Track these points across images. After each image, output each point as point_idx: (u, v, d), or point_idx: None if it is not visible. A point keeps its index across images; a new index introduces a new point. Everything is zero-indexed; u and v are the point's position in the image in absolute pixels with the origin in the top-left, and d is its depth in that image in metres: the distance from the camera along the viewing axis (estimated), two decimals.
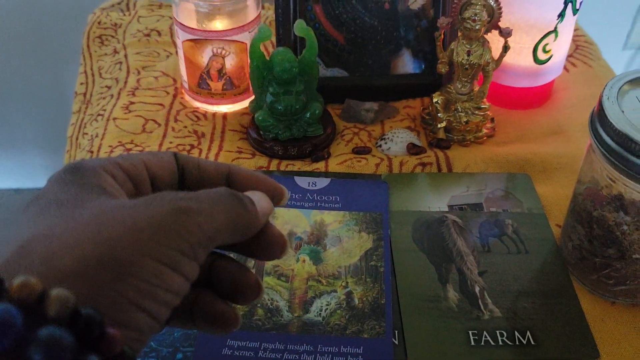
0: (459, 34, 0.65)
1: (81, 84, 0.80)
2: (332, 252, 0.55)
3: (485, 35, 0.64)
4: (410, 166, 0.65)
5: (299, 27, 0.62)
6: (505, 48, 0.64)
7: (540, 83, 0.72)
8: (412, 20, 0.72)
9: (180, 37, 0.69)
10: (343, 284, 0.53)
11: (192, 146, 0.67)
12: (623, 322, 0.51)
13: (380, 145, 0.68)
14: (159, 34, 0.85)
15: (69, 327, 0.23)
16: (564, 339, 0.49)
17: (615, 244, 0.49)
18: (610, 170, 0.47)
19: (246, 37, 0.68)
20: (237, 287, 0.36)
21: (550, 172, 0.65)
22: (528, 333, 0.49)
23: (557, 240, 0.57)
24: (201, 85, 0.71)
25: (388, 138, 0.68)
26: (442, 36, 0.66)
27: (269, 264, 0.54)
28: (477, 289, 0.53)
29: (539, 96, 0.74)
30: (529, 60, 0.69)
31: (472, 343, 0.48)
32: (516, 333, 0.49)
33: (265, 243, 0.36)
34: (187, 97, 0.74)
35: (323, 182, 0.62)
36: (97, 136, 0.69)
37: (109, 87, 0.77)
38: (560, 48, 0.70)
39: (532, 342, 0.49)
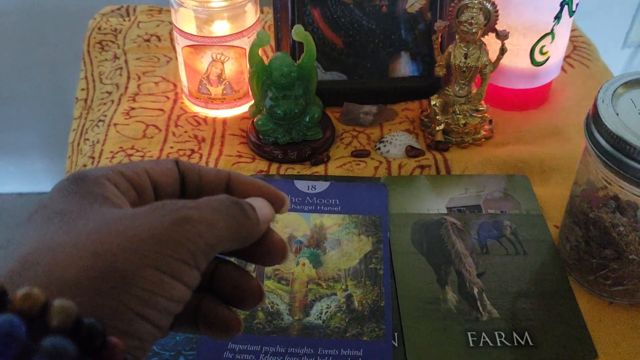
0: (456, 37, 0.65)
1: (82, 89, 0.81)
2: (331, 255, 0.56)
3: (482, 38, 0.65)
4: (409, 169, 0.65)
5: (298, 31, 0.63)
6: (502, 50, 0.64)
7: (538, 84, 0.72)
8: (409, 24, 0.72)
9: (180, 43, 0.69)
10: (343, 287, 0.53)
11: (193, 151, 0.68)
12: (621, 322, 0.51)
13: (379, 148, 0.68)
14: (159, 39, 0.86)
15: (72, 336, 0.23)
16: (562, 340, 0.49)
17: (611, 244, 0.49)
18: (605, 172, 0.47)
19: (245, 43, 0.69)
20: (239, 292, 0.37)
21: (548, 174, 0.65)
22: (526, 334, 0.50)
23: (554, 241, 0.58)
24: (201, 91, 0.71)
25: (387, 141, 0.68)
26: (440, 39, 0.67)
27: (269, 268, 0.54)
28: (475, 291, 0.53)
29: (537, 97, 0.74)
30: (526, 62, 0.70)
31: (471, 344, 0.49)
32: (514, 334, 0.50)
33: (266, 249, 0.36)
34: (187, 102, 0.74)
35: (322, 186, 0.63)
36: (98, 142, 0.69)
37: (109, 93, 0.78)
38: (557, 49, 0.70)
39: (531, 343, 0.49)
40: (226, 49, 0.69)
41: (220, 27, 0.68)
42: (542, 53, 0.69)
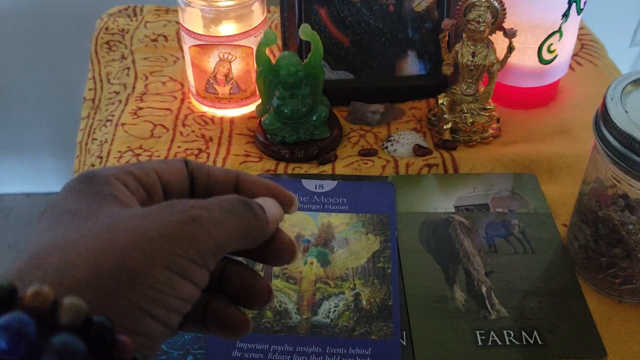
0: (464, 35, 0.65)
1: (90, 89, 0.81)
2: (339, 254, 0.56)
3: (489, 37, 0.65)
4: (416, 167, 0.65)
5: (305, 31, 0.63)
6: (510, 49, 0.64)
7: (546, 83, 0.72)
8: (416, 22, 0.72)
9: (187, 42, 0.69)
10: (351, 285, 0.53)
11: (200, 150, 0.68)
12: (630, 321, 0.51)
13: (386, 147, 0.68)
14: (166, 39, 0.86)
15: (81, 334, 0.24)
16: (571, 338, 0.49)
17: (620, 243, 0.49)
18: (614, 170, 0.47)
19: (252, 42, 0.69)
20: (248, 292, 0.37)
21: (556, 172, 0.65)
22: (535, 333, 0.50)
23: (563, 239, 0.58)
24: (208, 90, 0.72)
25: (394, 140, 0.68)
26: (447, 38, 0.66)
27: (277, 267, 0.54)
28: (484, 289, 0.53)
29: (545, 96, 0.74)
30: (533, 61, 0.69)
31: (480, 343, 0.49)
32: (523, 333, 0.50)
33: (275, 249, 0.36)
34: (194, 102, 0.74)
35: (330, 185, 0.63)
36: (106, 142, 0.70)
37: (117, 93, 0.78)
38: (565, 48, 0.70)
39: (539, 342, 0.49)
40: (233, 49, 0.69)
41: (228, 27, 0.68)
42: (549, 51, 0.69)
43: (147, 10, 0.93)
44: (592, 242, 0.52)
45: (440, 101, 0.68)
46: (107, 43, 0.87)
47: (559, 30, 0.67)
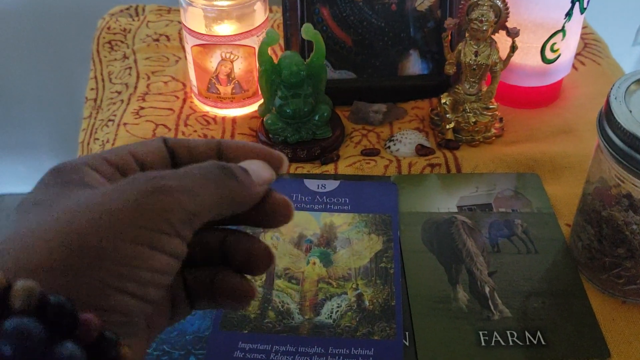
0: (467, 34, 0.65)
1: (91, 89, 0.81)
2: (342, 254, 0.56)
3: (492, 36, 0.65)
4: (419, 167, 0.65)
5: (307, 30, 0.63)
6: (513, 48, 0.64)
7: (549, 82, 0.72)
8: (419, 22, 0.72)
9: (189, 42, 0.69)
10: (353, 286, 0.53)
11: None
12: (634, 321, 0.51)
13: (389, 147, 0.68)
14: (168, 38, 0.86)
15: (38, 316, 0.23)
16: (575, 339, 0.49)
17: (624, 243, 0.49)
18: (618, 170, 0.47)
19: (254, 42, 0.69)
20: (249, 258, 0.36)
21: (559, 172, 0.65)
22: (538, 333, 0.49)
23: (566, 239, 0.57)
24: (210, 90, 0.71)
25: (397, 139, 0.68)
26: (450, 37, 0.66)
27: (279, 267, 0.54)
28: (487, 290, 0.53)
29: (548, 95, 0.74)
30: (536, 60, 0.69)
31: (483, 344, 0.49)
32: (526, 333, 0.49)
33: (268, 210, 0.35)
34: (196, 102, 0.74)
35: (332, 185, 0.62)
36: (108, 141, 0.70)
37: (119, 93, 0.78)
38: (568, 47, 0.70)
39: (543, 342, 0.49)
40: (235, 48, 0.69)
41: (230, 26, 0.68)
42: (553, 50, 0.69)
43: (149, 9, 0.93)
44: (596, 242, 0.51)
45: (442, 101, 0.68)
46: (109, 43, 0.87)
47: (562, 30, 0.67)
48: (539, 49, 0.68)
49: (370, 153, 0.67)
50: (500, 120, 0.70)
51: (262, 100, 0.68)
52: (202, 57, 0.69)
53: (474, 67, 0.65)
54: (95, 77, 0.83)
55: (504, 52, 0.65)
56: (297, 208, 0.60)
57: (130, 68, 0.81)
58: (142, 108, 0.73)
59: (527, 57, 0.69)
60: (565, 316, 0.51)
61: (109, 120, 0.73)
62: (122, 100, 0.76)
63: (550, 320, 0.50)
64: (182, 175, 0.30)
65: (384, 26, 0.72)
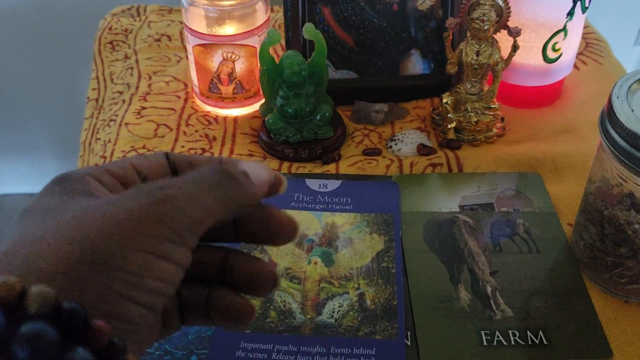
0: (468, 34, 0.65)
1: (93, 89, 0.81)
2: (343, 254, 0.56)
3: (494, 35, 0.65)
4: (420, 167, 0.65)
5: (308, 30, 0.63)
6: (515, 47, 0.64)
7: (550, 82, 0.72)
8: (420, 21, 0.72)
9: (191, 42, 0.69)
10: (355, 285, 0.53)
11: (204, 150, 0.68)
12: (636, 321, 0.51)
13: (390, 147, 0.68)
14: (170, 38, 0.86)
15: (52, 321, 0.23)
16: (577, 338, 0.49)
17: (626, 242, 0.49)
18: (620, 169, 0.47)
19: (256, 41, 0.69)
20: (253, 278, 0.36)
21: (561, 171, 0.65)
22: (540, 333, 0.49)
23: (568, 239, 0.57)
24: (212, 90, 0.71)
25: (398, 139, 0.68)
26: (451, 37, 0.66)
27: (281, 267, 0.54)
28: (489, 289, 0.53)
29: (549, 95, 0.74)
30: (538, 59, 0.69)
31: (485, 343, 0.49)
32: (529, 333, 0.49)
33: (273, 228, 0.35)
34: (198, 102, 0.74)
35: (334, 184, 0.62)
36: (109, 141, 0.70)
37: (120, 93, 0.78)
38: (569, 46, 0.70)
39: (545, 342, 0.49)
40: (237, 48, 0.69)
41: (231, 26, 0.68)
42: (554, 50, 0.69)
43: (150, 10, 0.93)
44: (598, 242, 0.51)
45: (444, 100, 0.68)
46: (111, 43, 0.87)
47: (564, 29, 0.67)
48: (541, 48, 0.68)
49: (371, 153, 0.67)
50: (502, 119, 0.70)
51: (263, 100, 0.68)
52: (204, 57, 0.69)
53: (476, 66, 0.65)
54: (97, 77, 0.83)
55: (505, 51, 0.65)
56: (299, 208, 0.60)
57: (131, 68, 0.81)
58: (143, 108, 0.73)
59: (528, 56, 0.69)
60: (567, 316, 0.51)
61: (111, 120, 0.73)
62: (123, 100, 0.76)
63: (553, 320, 0.50)
64: (184, 183, 0.31)
65: (385, 26, 0.71)
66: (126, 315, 0.28)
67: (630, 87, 0.48)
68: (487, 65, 0.65)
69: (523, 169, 0.65)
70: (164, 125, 0.71)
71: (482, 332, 0.49)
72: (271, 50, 0.64)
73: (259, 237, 0.36)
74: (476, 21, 0.63)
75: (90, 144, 0.74)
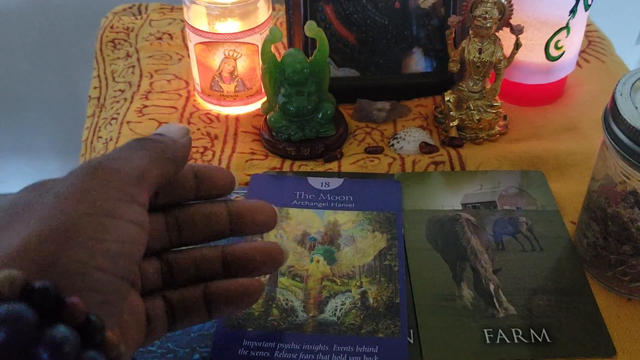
0: (470, 32, 0.65)
1: (95, 88, 0.81)
2: (346, 252, 0.55)
3: (496, 33, 0.64)
4: (423, 165, 0.65)
5: (310, 28, 0.63)
6: (517, 45, 0.64)
7: (553, 79, 0.72)
8: (422, 19, 0.71)
9: (192, 40, 0.69)
10: (357, 283, 0.53)
11: (206, 148, 0.68)
12: (639, 319, 0.50)
13: (392, 145, 0.68)
14: (171, 37, 0.86)
15: (26, 302, 0.23)
16: (580, 336, 0.49)
17: (630, 240, 0.49)
18: (624, 166, 0.46)
19: (257, 39, 0.69)
20: (260, 253, 0.41)
21: (563, 169, 0.64)
22: (544, 331, 0.49)
23: (571, 237, 0.57)
24: (213, 88, 0.71)
25: (400, 137, 0.68)
26: (453, 34, 0.66)
27: (283, 265, 0.54)
28: (491, 287, 0.53)
29: (552, 93, 0.74)
30: (541, 57, 0.69)
31: (488, 341, 0.48)
32: (532, 331, 0.49)
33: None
34: (199, 100, 0.74)
35: (336, 183, 0.62)
36: (111, 140, 0.69)
37: (122, 91, 0.78)
38: (572, 44, 0.69)
39: (548, 340, 0.49)
40: (238, 46, 0.68)
41: (233, 24, 0.68)
42: (557, 48, 0.68)
43: (151, 8, 0.93)
44: (601, 240, 0.51)
45: (446, 98, 0.68)
46: (112, 41, 0.87)
47: (567, 27, 0.67)
48: (543, 46, 0.68)
49: (373, 151, 0.67)
50: (505, 117, 0.70)
51: (265, 98, 0.68)
52: (205, 55, 0.69)
53: (478, 64, 0.65)
54: (99, 76, 0.83)
55: (507, 49, 0.65)
56: (301, 206, 0.60)
57: (133, 66, 0.81)
58: (145, 106, 0.73)
59: (531, 54, 0.69)
60: (570, 314, 0.50)
61: (113, 118, 0.73)
62: (125, 99, 0.76)
63: (556, 318, 0.50)
64: (112, 152, 0.33)
65: (387, 24, 0.71)
66: (95, 286, 0.28)
67: (633, 84, 0.48)
68: (490, 63, 0.65)
69: (526, 167, 0.65)
70: (166, 123, 0.71)
71: (485, 330, 0.49)
72: (273, 48, 0.63)
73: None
74: (478, 19, 0.62)
75: (92, 142, 0.74)
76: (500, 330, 0.49)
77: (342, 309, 0.51)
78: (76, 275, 0.27)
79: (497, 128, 0.69)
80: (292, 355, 0.47)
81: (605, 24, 0.90)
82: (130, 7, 0.94)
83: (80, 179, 0.30)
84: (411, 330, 0.50)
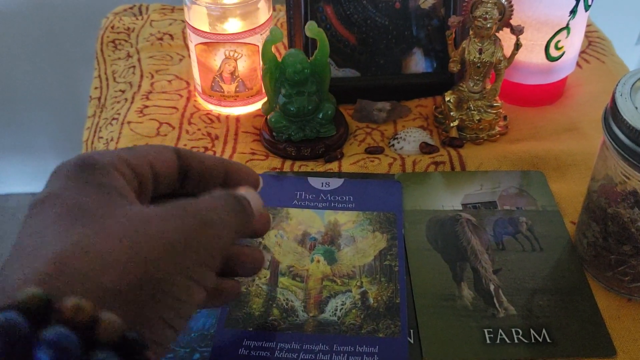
0: (470, 32, 0.65)
1: (95, 88, 0.81)
2: (346, 252, 0.56)
3: (496, 33, 0.64)
4: (423, 165, 0.65)
5: (311, 28, 0.63)
6: (517, 46, 0.64)
7: (553, 80, 0.72)
8: (423, 20, 0.72)
9: (193, 40, 0.69)
10: (358, 283, 0.53)
11: (206, 148, 0.68)
12: (639, 319, 0.50)
13: (393, 145, 0.68)
14: (172, 37, 0.86)
15: (117, 351, 0.24)
16: (580, 337, 0.49)
17: (630, 240, 0.49)
18: (624, 166, 0.46)
19: (258, 40, 0.69)
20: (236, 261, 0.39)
21: (564, 169, 0.64)
22: (544, 331, 0.49)
23: (571, 237, 0.57)
24: (214, 88, 0.71)
25: (401, 137, 0.68)
26: (453, 35, 0.66)
27: (284, 265, 0.54)
28: (492, 287, 0.53)
29: (552, 93, 0.74)
30: (541, 58, 0.69)
31: (488, 341, 0.49)
32: (532, 331, 0.49)
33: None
34: (200, 100, 0.74)
35: (336, 183, 0.62)
36: (112, 140, 0.70)
37: (123, 91, 0.78)
38: (572, 44, 0.70)
39: (548, 340, 0.49)
40: (239, 46, 0.69)
41: (233, 25, 0.68)
42: (557, 48, 0.68)
43: (152, 8, 0.93)
44: (601, 240, 0.51)
45: (447, 99, 0.68)
46: (113, 42, 0.87)
47: (567, 27, 0.67)
48: (543, 46, 0.68)
49: (374, 151, 0.67)
50: (505, 118, 0.70)
51: (265, 99, 0.68)
52: (206, 56, 0.69)
53: (478, 64, 0.65)
54: (99, 76, 0.83)
55: (508, 49, 0.65)
56: (301, 206, 0.60)
57: (134, 67, 0.81)
58: (146, 107, 0.73)
59: (531, 54, 0.69)
60: (570, 314, 0.51)
61: (113, 118, 0.73)
62: (126, 99, 0.76)
63: (556, 318, 0.50)
64: (216, 208, 0.32)
65: (387, 24, 0.71)
66: (162, 339, 0.29)
67: (633, 85, 0.48)
68: (490, 63, 0.65)
69: (526, 167, 0.65)
70: (167, 123, 0.71)
71: (485, 330, 0.49)
72: (273, 49, 0.63)
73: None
74: (479, 19, 0.63)
75: (92, 142, 0.74)
76: (500, 330, 0.49)
77: (342, 308, 0.51)
78: (154, 329, 0.28)
79: (498, 128, 0.69)
80: (292, 355, 0.47)
81: (606, 25, 0.90)
82: (130, 8, 0.94)
83: (186, 227, 0.30)
84: (411, 330, 0.50)
